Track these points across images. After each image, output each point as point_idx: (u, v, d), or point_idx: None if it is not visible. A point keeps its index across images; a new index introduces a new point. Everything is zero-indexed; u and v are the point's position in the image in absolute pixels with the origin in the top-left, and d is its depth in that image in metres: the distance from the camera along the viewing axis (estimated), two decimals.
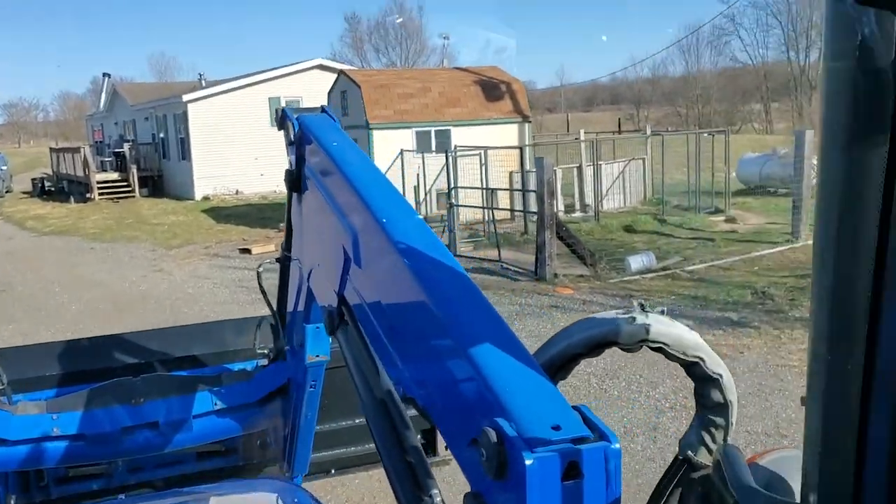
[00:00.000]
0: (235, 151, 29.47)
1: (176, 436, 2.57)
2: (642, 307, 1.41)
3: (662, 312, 1.42)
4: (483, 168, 18.18)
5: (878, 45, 0.63)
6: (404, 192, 19.12)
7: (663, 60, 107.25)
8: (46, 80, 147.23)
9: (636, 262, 13.79)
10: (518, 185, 18.64)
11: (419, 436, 2.17)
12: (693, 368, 1.43)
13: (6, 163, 41.70)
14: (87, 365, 3.03)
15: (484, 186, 17.49)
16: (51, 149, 42.62)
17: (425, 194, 18.77)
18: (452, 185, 16.40)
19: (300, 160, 2.07)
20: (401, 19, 60.05)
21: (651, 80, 74.34)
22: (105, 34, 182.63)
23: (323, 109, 2.18)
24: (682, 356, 1.40)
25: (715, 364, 1.43)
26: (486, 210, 16.88)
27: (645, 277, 13.25)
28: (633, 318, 1.39)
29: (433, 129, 19.55)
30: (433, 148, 19.36)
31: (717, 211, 19.79)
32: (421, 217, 1.56)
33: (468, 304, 1.24)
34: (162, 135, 33.75)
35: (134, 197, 31.57)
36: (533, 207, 17.49)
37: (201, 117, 29.76)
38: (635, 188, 21.35)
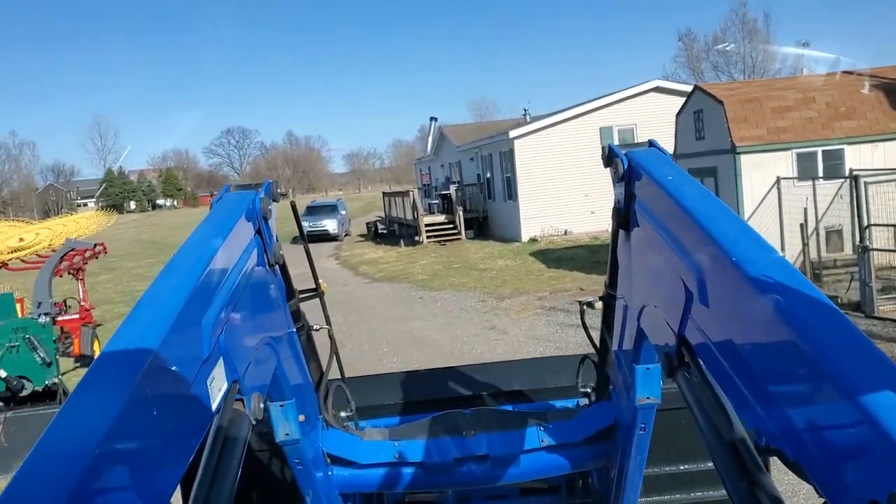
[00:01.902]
0: (563, 188, 27.29)
1: (504, 470, 2.52)
2: None
3: None
4: None
5: None
6: (782, 230, 15.22)
7: None
8: (381, 130, 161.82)
9: None
10: None
11: None
12: None
13: (345, 208, 44.24)
14: (420, 395, 3.09)
15: None
16: (383, 193, 44.29)
17: (813, 232, 14.64)
18: (867, 223, 12.22)
19: (629, 197, 1.91)
20: (730, 46, 54.53)
21: None
22: (429, 80, 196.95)
23: (651, 144, 1.99)
24: None
25: None
26: None
27: None
28: None
29: (820, 150, 15.39)
30: (820, 173, 15.23)
31: None
32: (783, 255, 1.25)
33: (853, 347, 1.02)
34: (487, 174, 32.79)
35: (460, 239, 30.81)
36: None
37: (528, 154, 28.04)
38: None
